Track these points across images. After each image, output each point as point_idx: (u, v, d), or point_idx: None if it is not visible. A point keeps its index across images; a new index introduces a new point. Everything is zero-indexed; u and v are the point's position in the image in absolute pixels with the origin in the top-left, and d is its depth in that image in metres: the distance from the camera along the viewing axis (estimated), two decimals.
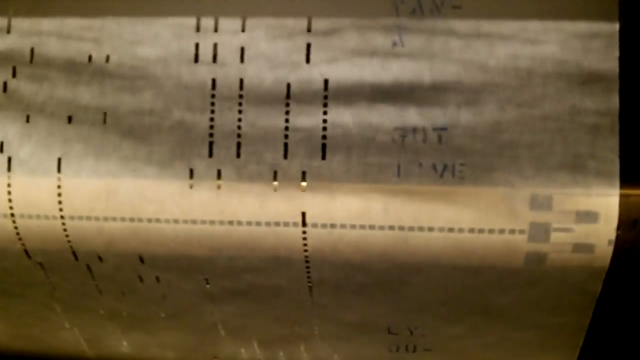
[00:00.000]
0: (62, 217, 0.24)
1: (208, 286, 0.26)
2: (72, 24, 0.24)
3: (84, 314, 0.29)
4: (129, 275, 0.26)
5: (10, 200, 0.25)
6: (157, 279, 0.26)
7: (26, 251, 0.26)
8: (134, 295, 0.27)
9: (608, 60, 0.23)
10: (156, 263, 0.25)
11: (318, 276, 0.25)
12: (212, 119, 0.24)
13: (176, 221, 0.24)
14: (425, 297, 0.26)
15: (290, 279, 0.25)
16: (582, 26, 0.23)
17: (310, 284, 0.25)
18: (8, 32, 0.25)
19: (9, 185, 0.24)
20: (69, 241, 0.25)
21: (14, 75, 0.24)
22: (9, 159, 0.24)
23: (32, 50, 0.24)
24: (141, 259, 0.25)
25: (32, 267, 0.26)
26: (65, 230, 0.25)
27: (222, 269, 0.25)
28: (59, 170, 0.24)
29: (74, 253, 0.25)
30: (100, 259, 0.25)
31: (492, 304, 0.25)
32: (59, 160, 0.24)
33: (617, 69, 0.23)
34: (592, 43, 0.23)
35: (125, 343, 0.30)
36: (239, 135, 0.24)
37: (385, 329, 0.28)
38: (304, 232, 0.24)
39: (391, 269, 0.24)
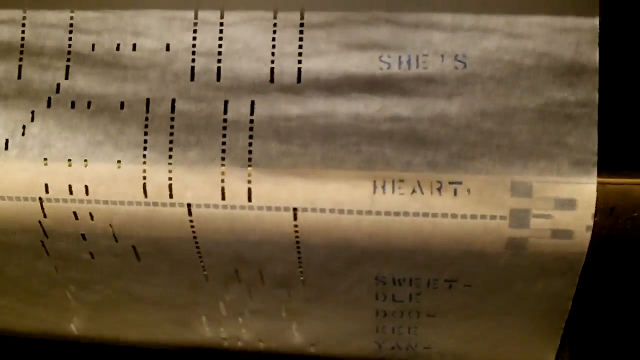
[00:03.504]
0: (72, 200, 0.26)
1: (205, 273, 0.27)
2: (80, 16, 0.26)
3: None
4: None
5: (31, 184, 0.26)
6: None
7: (45, 232, 0.27)
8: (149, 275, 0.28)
9: (588, 54, 0.23)
10: (168, 248, 0.27)
11: (307, 258, 0.26)
12: (210, 108, 0.25)
13: (174, 205, 0.25)
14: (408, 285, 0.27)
15: (284, 261, 0.26)
16: (564, 21, 0.24)
17: (300, 265, 0.26)
18: (23, 25, 0.26)
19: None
20: (86, 223, 0.26)
21: (23, 66, 0.26)
22: (22, 145, 0.26)
23: (43, 40, 0.26)
24: (158, 241, 0.26)
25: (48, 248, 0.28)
26: (80, 212, 0.26)
27: (218, 256, 0.26)
28: (68, 156, 0.25)
29: (83, 235, 0.27)
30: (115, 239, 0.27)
31: (473, 290, 0.26)
32: (66, 146, 0.25)
33: (597, 63, 0.24)
34: (573, 37, 0.24)
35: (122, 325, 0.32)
36: (236, 123, 0.25)
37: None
38: (295, 217, 0.25)
39: (377, 253, 0.25)
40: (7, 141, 0.26)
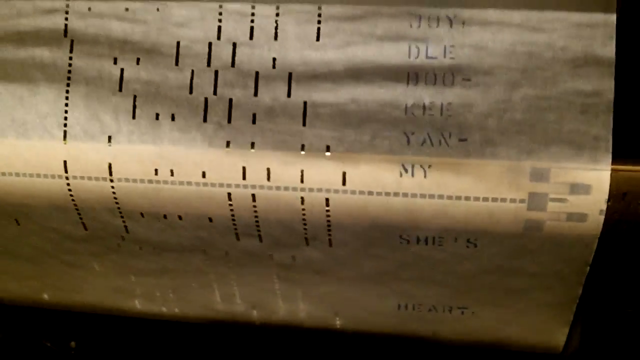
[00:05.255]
0: (111, 179, 0.28)
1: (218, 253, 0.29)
2: (121, 5, 0.27)
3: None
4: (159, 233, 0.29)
5: (65, 163, 0.28)
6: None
7: (77, 209, 0.29)
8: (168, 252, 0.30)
9: (605, 47, 0.25)
10: (192, 222, 0.28)
11: (338, 237, 0.28)
12: (245, 94, 0.26)
13: (226, 185, 0.27)
14: (433, 263, 0.28)
15: (315, 239, 0.28)
16: (583, 17, 0.25)
17: (330, 242, 0.28)
18: (66, 12, 0.28)
19: (62, 148, 0.28)
20: (116, 201, 0.28)
21: (71, 51, 0.28)
22: (65, 126, 0.28)
23: (87, 29, 0.27)
24: (180, 218, 0.28)
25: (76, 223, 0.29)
26: (113, 191, 0.28)
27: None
28: (109, 137, 0.27)
29: (119, 211, 0.28)
30: (142, 215, 0.28)
31: (491, 268, 0.28)
32: (112, 131, 0.27)
33: (613, 55, 0.25)
34: (591, 32, 0.25)
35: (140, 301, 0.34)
36: (270, 109, 0.26)
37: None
38: (327, 199, 0.27)
39: (403, 232, 0.27)
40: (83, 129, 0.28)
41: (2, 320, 0.37)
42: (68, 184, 0.28)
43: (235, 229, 0.28)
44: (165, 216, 0.28)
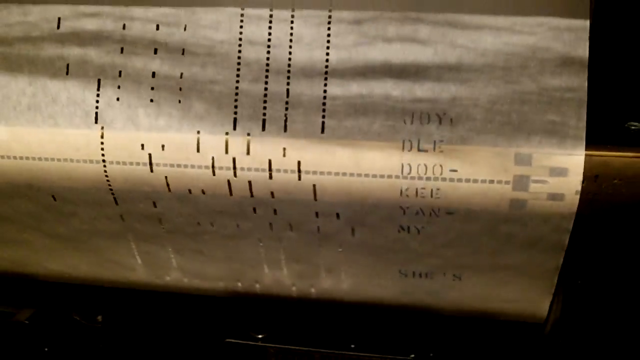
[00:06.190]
0: (150, 164, 0.31)
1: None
2: (157, 11, 0.31)
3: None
4: (194, 215, 0.33)
5: (102, 149, 0.31)
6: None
7: (112, 192, 0.32)
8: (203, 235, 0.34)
9: (580, 48, 0.28)
10: (211, 206, 0.32)
11: (346, 215, 0.31)
12: (266, 89, 0.30)
13: (244, 169, 0.30)
14: (430, 239, 0.32)
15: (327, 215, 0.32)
16: (561, 22, 0.28)
17: (338, 217, 0.32)
18: (105, 15, 0.31)
19: (102, 136, 0.31)
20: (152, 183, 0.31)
21: (108, 49, 0.31)
22: (101, 115, 0.31)
23: (124, 30, 0.31)
24: (203, 200, 0.32)
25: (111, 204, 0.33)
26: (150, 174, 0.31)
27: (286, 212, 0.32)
28: (146, 125, 0.31)
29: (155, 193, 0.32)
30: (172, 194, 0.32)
31: (480, 242, 0.31)
32: (150, 120, 0.31)
33: (586, 55, 0.28)
34: (568, 35, 0.28)
35: (181, 273, 0.37)
36: (287, 102, 0.30)
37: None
38: (337, 180, 0.30)
39: (406, 209, 0.31)
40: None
41: (36, 295, 0.40)
42: (105, 169, 0.31)
43: (254, 208, 0.32)
44: (190, 191, 0.31)
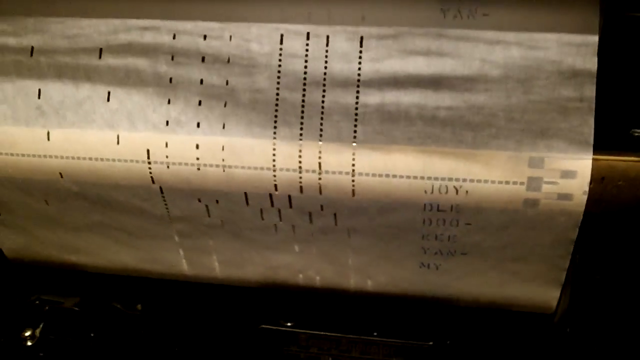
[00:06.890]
0: (198, 165, 0.34)
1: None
2: (203, 25, 0.33)
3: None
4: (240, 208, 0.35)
5: (148, 152, 0.34)
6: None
7: (162, 190, 0.35)
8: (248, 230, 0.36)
9: (589, 62, 0.31)
10: (253, 207, 0.34)
11: (369, 211, 0.34)
12: (303, 97, 0.33)
13: (287, 170, 0.33)
14: (450, 232, 0.35)
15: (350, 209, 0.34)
16: (572, 37, 0.31)
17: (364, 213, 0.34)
18: (158, 28, 0.34)
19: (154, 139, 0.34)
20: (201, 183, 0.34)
21: (159, 60, 0.34)
22: (155, 121, 0.34)
23: (174, 41, 0.33)
24: (246, 198, 0.34)
25: (159, 203, 0.36)
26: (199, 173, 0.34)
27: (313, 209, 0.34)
28: (197, 129, 0.33)
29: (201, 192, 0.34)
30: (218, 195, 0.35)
31: (495, 238, 0.34)
32: (198, 123, 0.33)
33: (595, 68, 0.31)
34: (578, 50, 0.31)
35: (218, 265, 0.40)
36: (322, 110, 0.33)
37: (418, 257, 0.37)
38: (366, 181, 0.33)
39: (427, 206, 0.33)
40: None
41: (81, 286, 0.42)
42: (150, 169, 0.34)
43: (290, 204, 0.35)
44: (233, 192, 0.34)
